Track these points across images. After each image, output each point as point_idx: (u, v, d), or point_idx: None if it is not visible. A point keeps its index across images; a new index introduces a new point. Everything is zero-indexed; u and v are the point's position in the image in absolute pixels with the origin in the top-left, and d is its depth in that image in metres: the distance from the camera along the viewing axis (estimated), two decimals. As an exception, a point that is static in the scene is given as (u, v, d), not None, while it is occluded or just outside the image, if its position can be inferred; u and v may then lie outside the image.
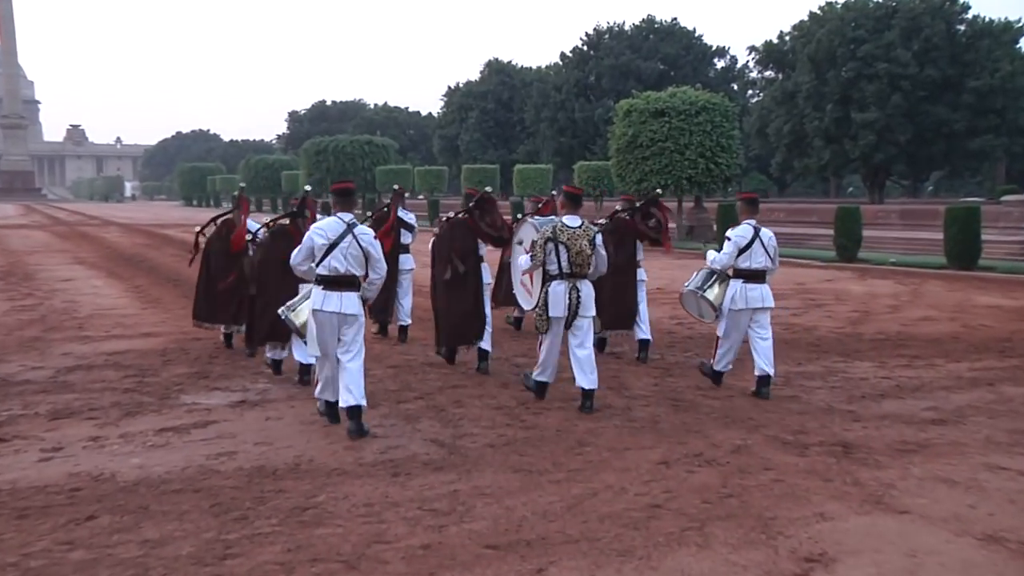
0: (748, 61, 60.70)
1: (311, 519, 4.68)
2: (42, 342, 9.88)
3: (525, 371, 7.69)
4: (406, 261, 9.74)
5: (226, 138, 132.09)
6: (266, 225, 8.44)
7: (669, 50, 57.99)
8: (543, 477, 5.34)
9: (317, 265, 6.47)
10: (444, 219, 8.64)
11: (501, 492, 5.08)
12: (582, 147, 56.04)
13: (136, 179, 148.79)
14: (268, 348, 8.14)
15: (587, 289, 7.11)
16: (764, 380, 7.50)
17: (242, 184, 10.38)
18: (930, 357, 9.22)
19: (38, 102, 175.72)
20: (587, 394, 6.98)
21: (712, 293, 8.03)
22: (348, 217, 6.61)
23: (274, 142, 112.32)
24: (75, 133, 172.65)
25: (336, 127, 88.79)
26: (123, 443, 6.02)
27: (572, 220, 7.23)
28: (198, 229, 9.75)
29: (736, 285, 7.76)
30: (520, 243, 7.64)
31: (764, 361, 7.51)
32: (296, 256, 6.59)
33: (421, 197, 50.57)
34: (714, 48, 60.79)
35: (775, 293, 7.79)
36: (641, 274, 9.09)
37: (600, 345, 8.86)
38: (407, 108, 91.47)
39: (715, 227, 25.46)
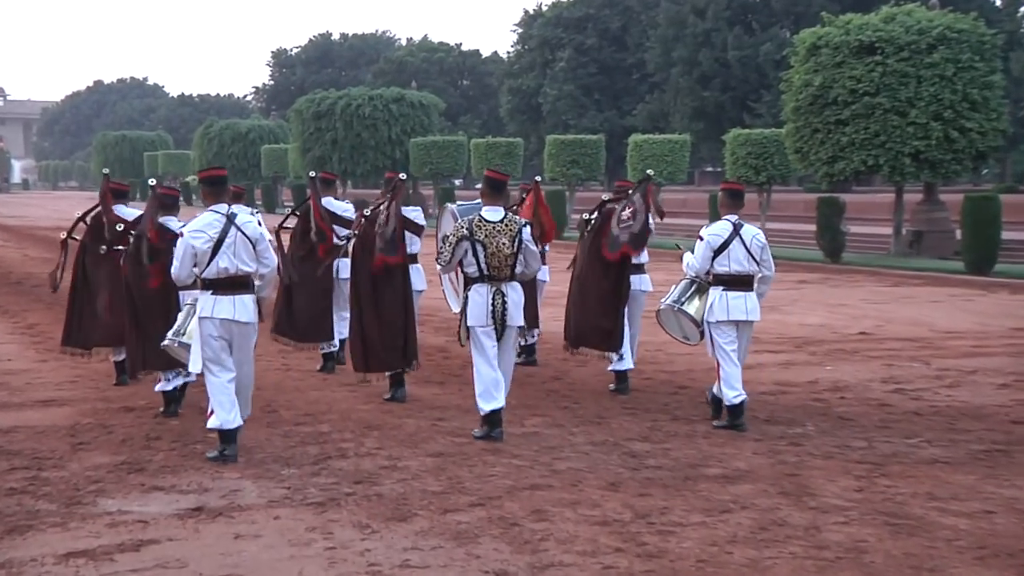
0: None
1: None
2: None
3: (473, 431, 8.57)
4: (344, 268, 10.62)
5: (174, 92, 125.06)
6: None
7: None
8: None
9: (203, 270, 7.59)
10: (360, 216, 9.88)
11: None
12: (737, 106, 51.91)
13: (29, 156, 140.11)
14: (161, 376, 9.09)
15: (514, 294, 8.27)
16: (735, 410, 8.67)
17: (106, 171, 11.00)
18: None
19: None
20: (491, 417, 8.23)
21: (692, 306, 8.93)
22: (224, 208, 7.70)
23: (250, 99, 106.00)
24: None
25: (347, 76, 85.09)
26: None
27: (492, 212, 8.24)
28: (63, 236, 10.67)
29: (716, 293, 8.76)
30: (445, 239, 8.57)
31: (729, 385, 8.64)
32: (178, 269, 7.71)
33: (479, 187, 46.87)
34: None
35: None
36: (644, 282, 10.17)
37: (622, 384, 10.10)
38: (458, 46, 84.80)
39: (958, 233, 23.79)
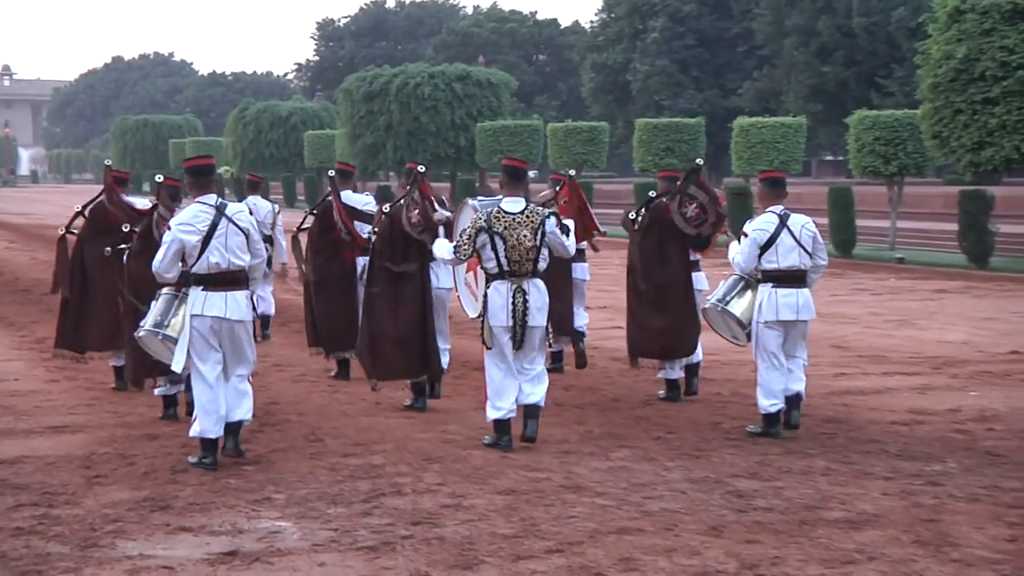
0: None
1: None
2: None
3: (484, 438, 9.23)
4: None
5: (204, 70, 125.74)
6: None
7: None
8: None
9: (193, 265, 8.20)
10: (380, 211, 10.49)
11: None
12: (863, 83, 51.08)
13: (39, 143, 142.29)
14: (159, 380, 9.76)
15: (536, 293, 8.86)
16: (770, 418, 9.39)
17: (108, 161, 11.94)
18: None
19: None
20: (530, 411, 8.83)
21: (738, 306, 9.49)
22: (212, 199, 8.32)
23: (291, 77, 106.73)
24: None
25: (404, 50, 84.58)
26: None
27: (513, 203, 8.87)
28: (62, 231, 11.43)
29: (765, 291, 9.33)
30: (462, 232, 9.11)
31: (766, 391, 9.39)
32: (161, 262, 8.27)
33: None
34: None
35: None
36: (699, 280, 10.77)
37: (674, 390, 10.86)
38: (533, 14, 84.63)
39: None
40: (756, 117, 40.98)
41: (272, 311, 15.04)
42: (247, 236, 8.38)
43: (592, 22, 70.87)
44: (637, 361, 10.91)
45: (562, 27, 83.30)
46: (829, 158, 67.13)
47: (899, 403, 10.98)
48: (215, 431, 8.26)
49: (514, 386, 8.87)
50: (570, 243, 9.30)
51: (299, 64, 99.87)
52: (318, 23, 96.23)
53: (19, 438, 9.67)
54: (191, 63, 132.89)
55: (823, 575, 6.36)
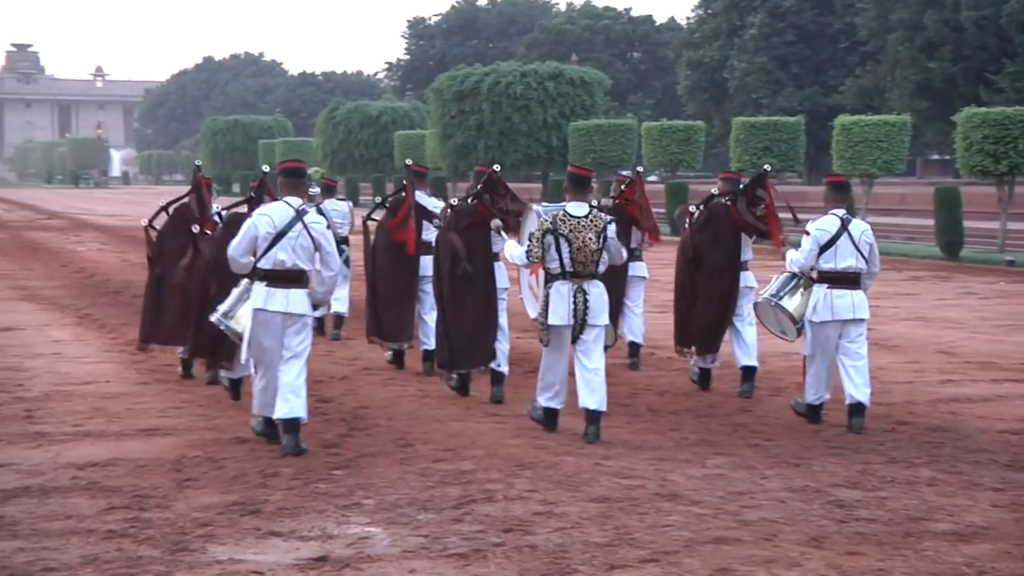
0: None
1: None
2: (-36, 442, 10.23)
3: (530, 402, 10.04)
4: (429, 266, 11.61)
5: (294, 69, 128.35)
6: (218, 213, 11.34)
7: None
8: None
9: (259, 258, 8.86)
10: (447, 207, 11.17)
11: None
12: (972, 79, 50.19)
13: (130, 144, 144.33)
14: (223, 370, 10.61)
15: (596, 291, 9.46)
16: (856, 408, 9.82)
17: (198, 163, 12.44)
18: None
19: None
20: (592, 416, 9.41)
21: (791, 302, 10.06)
22: (297, 203, 8.96)
23: (381, 76, 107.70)
24: (20, 60, 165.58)
25: (495, 48, 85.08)
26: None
27: (577, 208, 9.45)
28: (145, 223, 12.12)
29: (820, 291, 9.87)
30: (531, 236, 9.70)
31: (854, 386, 9.80)
32: (236, 247, 8.93)
33: (654, 177, 46.93)
34: None
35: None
36: (748, 279, 11.32)
37: (704, 380, 11.59)
38: (627, 11, 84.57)
39: None
40: (858, 115, 40.13)
41: (346, 311, 15.21)
42: (317, 247, 8.91)
43: (688, 18, 70.82)
44: (681, 350, 11.60)
45: (657, 24, 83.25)
46: (935, 157, 66.06)
47: (1009, 411, 10.78)
48: (273, 410, 8.94)
49: (565, 381, 9.57)
50: (624, 251, 10.13)
51: (390, 63, 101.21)
52: (409, 22, 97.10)
53: (111, 440, 9.79)
54: (281, 63, 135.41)
55: (929, 589, 6.26)
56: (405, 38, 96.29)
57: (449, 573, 6.48)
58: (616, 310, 11.74)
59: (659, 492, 8.07)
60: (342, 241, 14.47)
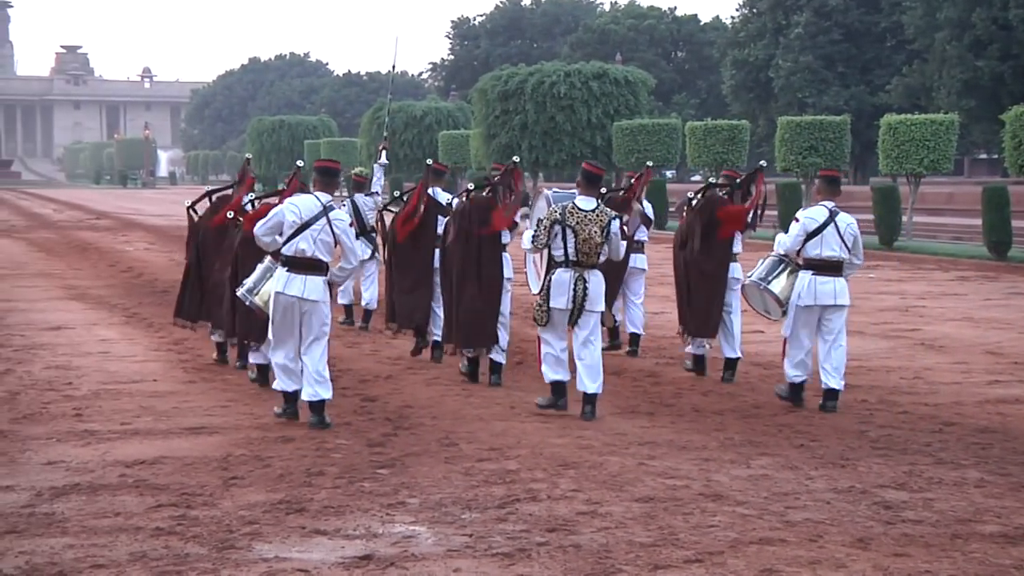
0: None
1: None
2: (9, 441, 9.98)
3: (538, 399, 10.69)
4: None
5: (339, 70, 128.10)
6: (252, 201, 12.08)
7: None
8: None
9: (283, 244, 9.66)
10: (464, 192, 12.07)
11: None
12: (1020, 77, 49.93)
13: (177, 145, 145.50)
14: (252, 351, 11.47)
15: (595, 280, 10.17)
16: (830, 393, 10.58)
17: (248, 155, 13.38)
18: None
19: (7, 3, 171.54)
20: (588, 398, 10.20)
21: (777, 285, 10.72)
22: (326, 198, 9.77)
23: (426, 77, 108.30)
24: (70, 61, 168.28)
25: (540, 48, 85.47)
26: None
27: (586, 202, 10.13)
28: (188, 203, 12.99)
29: (805, 277, 10.60)
30: (539, 222, 10.30)
31: (827, 374, 10.56)
32: (261, 227, 9.75)
33: (697, 177, 45.88)
34: None
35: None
36: (735, 270, 11.93)
37: (699, 366, 12.27)
38: (672, 11, 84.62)
39: None
40: (905, 114, 39.82)
41: (375, 304, 15.81)
42: (338, 242, 9.78)
43: (733, 18, 70.59)
44: (682, 333, 12.27)
45: (702, 23, 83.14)
46: (983, 156, 65.54)
47: (1058, 412, 10.78)
48: (291, 386, 9.85)
49: (565, 355, 10.26)
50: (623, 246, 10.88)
51: (434, 63, 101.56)
52: (453, 22, 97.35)
53: (159, 439, 9.88)
54: (326, 63, 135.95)
55: (977, 591, 6.26)
56: (449, 38, 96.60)
57: (493, 572, 6.51)
58: (612, 296, 12.67)
59: (703, 492, 8.07)
60: (372, 230, 15.33)
